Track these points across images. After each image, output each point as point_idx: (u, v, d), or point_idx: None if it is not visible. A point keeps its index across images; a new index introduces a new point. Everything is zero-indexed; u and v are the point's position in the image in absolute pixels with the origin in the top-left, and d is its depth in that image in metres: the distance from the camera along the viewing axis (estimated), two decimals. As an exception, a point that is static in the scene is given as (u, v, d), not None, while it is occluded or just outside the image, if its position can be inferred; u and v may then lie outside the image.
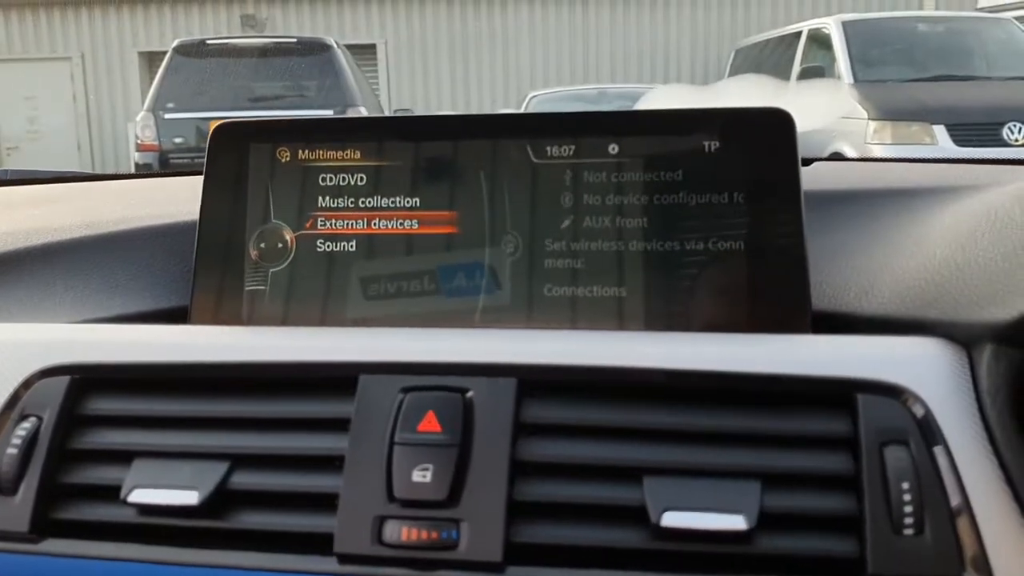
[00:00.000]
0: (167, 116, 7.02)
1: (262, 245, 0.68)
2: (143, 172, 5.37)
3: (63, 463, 0.56)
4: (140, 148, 7.07)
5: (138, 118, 7.22)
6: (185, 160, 6.79)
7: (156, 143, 7.00)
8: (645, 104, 7.24)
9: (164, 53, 7.44)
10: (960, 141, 5.53)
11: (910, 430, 0.50)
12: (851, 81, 6.21)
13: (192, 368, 0.58)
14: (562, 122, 0.67)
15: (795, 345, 0.56)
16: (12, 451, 0.55)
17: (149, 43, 12.11)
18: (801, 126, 0.64)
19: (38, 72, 12.23)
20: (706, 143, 0.64)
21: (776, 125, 0.64)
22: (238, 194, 0.69)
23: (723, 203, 0.63)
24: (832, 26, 6.70)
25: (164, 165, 6.89)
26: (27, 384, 0.58)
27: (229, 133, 0.70)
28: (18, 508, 0.54)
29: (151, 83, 7.56)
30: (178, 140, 6.96)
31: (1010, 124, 5.57)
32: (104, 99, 12.39)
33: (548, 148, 0.66)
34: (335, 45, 7.44)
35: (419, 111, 11.02)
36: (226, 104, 6.77)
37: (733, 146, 0.64)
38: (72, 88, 12.42)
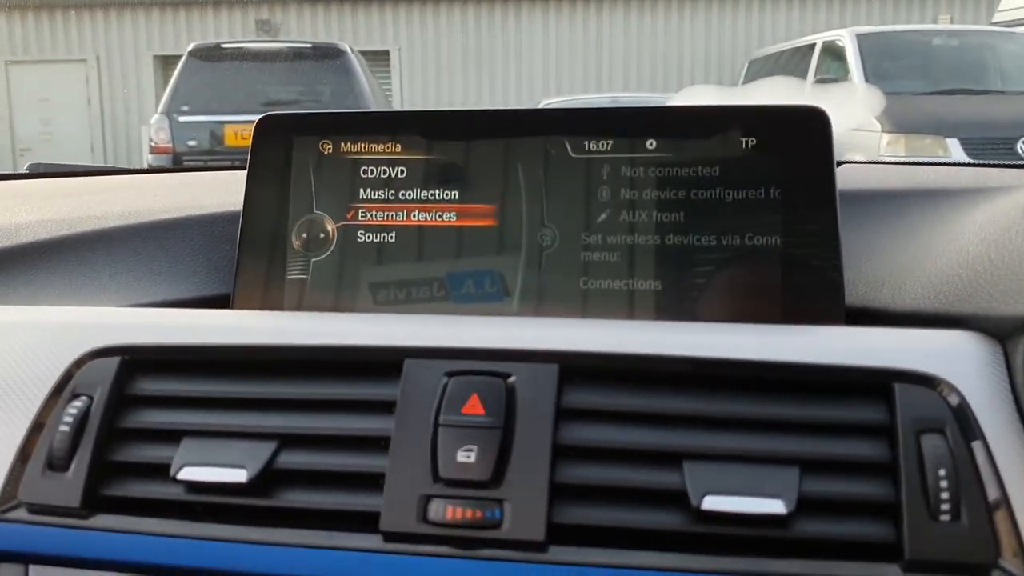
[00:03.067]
0: (181, 119, 7.05)
1: (304, 235, 0.70)
2: (174, 167, 5.37)
3: (113, 441, 0.57)
4: (154, 151, 7.10)
5: (152, 121, 7.25)
6: (199, 163, 6.82)
7: (170, 145, 7.02)
8: (675, 103, 7.26)
9: (179, 57, 7.47)
10: (974, 154, 5.52)
11: (946, 419, 0.51)
12: (865, 93, 6.21)
13: (241, 350, 0.59)
14: (600, 118, 0.68)
15: (833, 336, 0.57)
16: (64, 429, 0.57)
17: (164, 47, 12.17)
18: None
19: (53, 74, 12.30)
20: (743, 139, 0.65)
21: (812, 123, 0.65)
22: (281, 185, 0.71)
23: (759, 199, 0.65)
24: (846, 38, 6.71)
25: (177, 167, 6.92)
26: (79, 364, 0.60)
27: (273, 125, 0.72)
28: (70, 484, 0.56)
29: (165, 86, 7.60)
30: (192, 143, 6.98)
31: (1024, 138, 5.58)
32: (118, 102, 12.44)
33: (586, 143, 0.68)
34: (349, 51, 7.47)
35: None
36: (240, 108, 6.79)
37: (769, 143, 0.65)
38: (87, 91, 12.47)
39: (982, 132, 5.68)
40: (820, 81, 6.83)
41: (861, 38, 6.68)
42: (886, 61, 6.64)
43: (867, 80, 6.32)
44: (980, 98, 6.32)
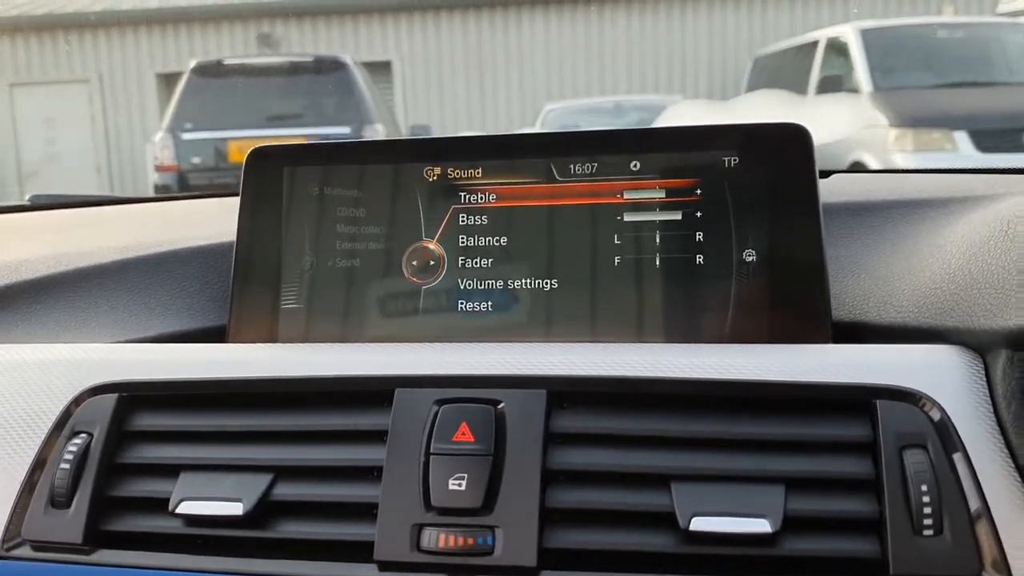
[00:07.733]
0: (185, 136, 7.05)
1: (297, 265, 0.71)
2: (173, 195, 5.39)
3: (113, 477, 0.58)
4: (159, 169, 7.11)
5: (156, 139, 7.26)
6: (203, 180, 6.83)
7: (174, 163, 7.03)
8: (664, 121, 7.25)
9: (181, 74, 7.47)
10: (982, 147, 5.50)
11: (928, 434, 0.52)
12: (870, 89, 6.19)
13: (235, 384, 0.60)
14: (584, 140, 0.69)
15: (816, 354, 0.57)
16: (65, 466, 0.58)
17: (166, 64, 12.20)
18: (821, 137, 0.66)
19: (56, 95, 12.33)
20: (725, 158, 0.66)
21: (794, 139, 0.65)
22: (273, 216, 0.71)
23: (743, 217, 0.65)
24: (850, 34, 6.67)
25: (183, 185, 6.91)
26: (77, 401, 0.61)
27: (264, 157, 0.73)
28: (72, 520, 0.57)
29: (168, 104, 7.61)
30: (196, 160, 6.99)
31: (1032, 129, 5.55)
32: (122, 121, 12.47)
33: (571, 166, 0.68)
34: (351, 63, 7.47)
35: (435, 127, 11.08)
36: (244, 123, 6.80)
37: (752, 161, 0.66)
38: (90, 110, 12.50)
39: (990, 124, 5.65)
40: (825, 78, 6.80)
41: (865, 33, 6.64)
42: (891, 56, 6.60)
43: (872, 75, 6.29)
44: (987, 90, 6.29)
